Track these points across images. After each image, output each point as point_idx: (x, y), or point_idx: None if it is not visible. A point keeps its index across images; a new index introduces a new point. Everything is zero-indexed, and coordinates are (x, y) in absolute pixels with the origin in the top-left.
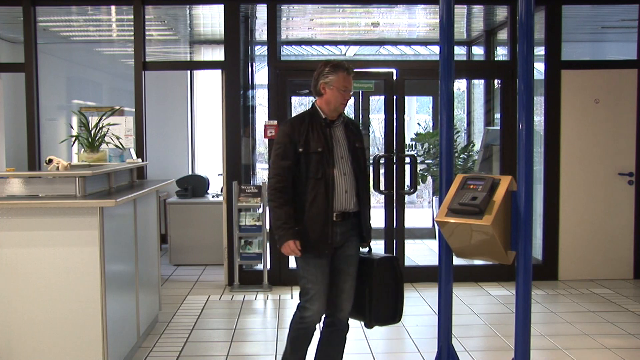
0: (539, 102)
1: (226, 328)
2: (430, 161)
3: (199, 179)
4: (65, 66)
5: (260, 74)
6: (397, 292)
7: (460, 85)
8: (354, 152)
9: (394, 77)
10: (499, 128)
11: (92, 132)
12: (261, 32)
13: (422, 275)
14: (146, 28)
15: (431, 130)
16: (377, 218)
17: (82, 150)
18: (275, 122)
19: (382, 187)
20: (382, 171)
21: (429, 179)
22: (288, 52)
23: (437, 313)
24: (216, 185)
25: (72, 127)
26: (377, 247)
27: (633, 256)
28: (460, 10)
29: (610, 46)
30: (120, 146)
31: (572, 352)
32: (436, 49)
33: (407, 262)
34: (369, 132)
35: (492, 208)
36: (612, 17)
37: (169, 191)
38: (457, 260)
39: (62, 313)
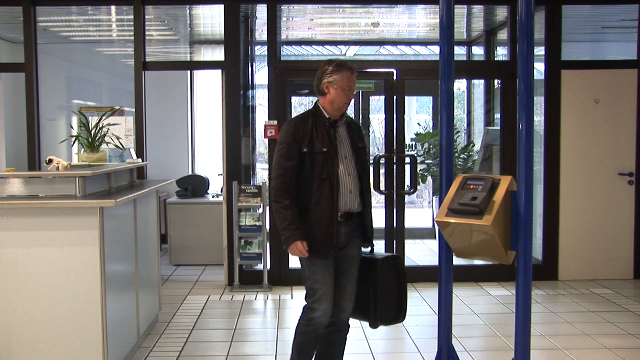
0: (539, 102)
1: (226, 328)
2: (430, 161)
3: (199, 179)
4: (65, 66)
5: (260, 74)
6: (401, 291)
7: (460, 85)
8: (356, 151)
9: (394, 77)
10: (499, 128)
11: (92, 132)
12: (261, 32)
13: (422, 275)
14: (146, 28)
15: (431, 130)
16: (377, 218)
17: (82, 150)
18: (275, 122)
19: (382, 187)
20: (382, 171)
21: (429, 179)
22: (288, 52)
23: (437, 313)
24: (216, 185)
25: (72, 127)
26: (377, 247)
27: (633, 256)
28: (460, 10)
29: (610, 46)
30: (120, 146)
31: (572, 352)
32: (436, 49)
33: (407, 262)
34: (369, 132)
35: (492, 208)
36: (612, 17)
37: (169, 191)
38: (457, 260)
39: (62, 313)
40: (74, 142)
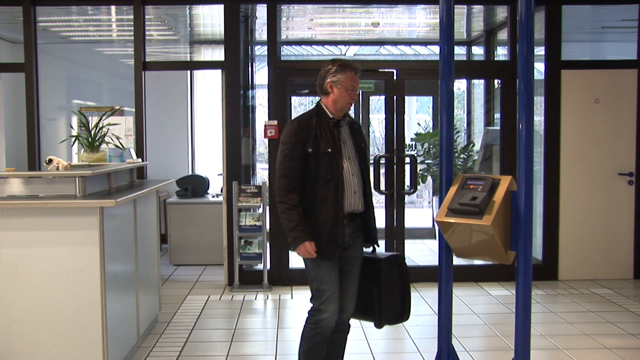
0: (539, 102)
1: (226, 328)
2: (430, 161)
3: (199, 179)
4: (65, 66)
5: (260, 74)
6: (404, 290)
7: (460, 85)
8: (359, 152)
9: (394, 77)
10: (499, 128)
11: (92, 132)
12: (261, 32)
13: (422, 275)
14: (146, 28)
15: (431, 130)
16: (378, 218)
17: (82, 150)
18: (275, 122)
19: (382, 187)
20: (382, 171)
21: (429, 179)
22: (288, 52)
23: (437, 313)
24: (216, 185)
25: (72, 127)
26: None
27: (633, 256)
28: (460, 10)
29: (610, 46)
30: (120, 146)
31: (572, 352)
32: (436, 49)
33: (407, 262)
34: (369, 132)
35: (492, 208)
36: (612, 17)
37: (169, 191)
38: (457, 260)
39: (62, 313)
40: (74, 142)
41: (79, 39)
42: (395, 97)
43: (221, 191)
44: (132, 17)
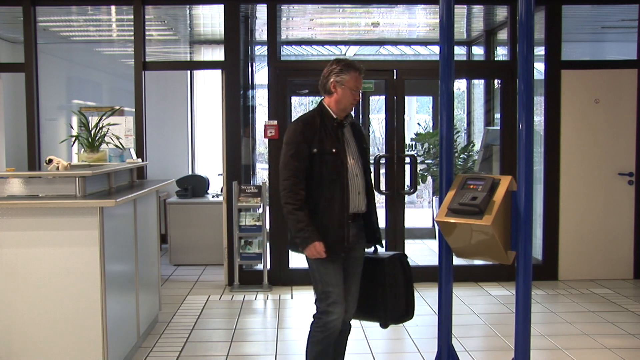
0: (539, 102)
1: (226, 328)
2: (430, 161)
3: (199, 179)
4: (65, 66)
5: (260, 74)
6: (408, 289)
7: (460, 85)
8: (362, 152)
9: (394, 77)
10: (499, 128)
11: (92, 132)
12: (261, 32)
13: (422, 275)
14: (146, 28)
15: (431, 130)
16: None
17: (82, 150)
18: (275, 122)
19: (382, 187)
20: (382, 171)
21: (429, 179)
22: (288, 52)
23: (437, 313)
24: (216, 185)
25: (72, 127)
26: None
27: (633, 256)
28: (460, 10)
29: (610, 46)
30: (120, 146)
31: (572, 352)
32: (436, 49)
33: None
34: (369, 132)
35: (492, 208)
36: (612, 17)
37: (169, 191)
38: (457, 260)
39: (62, 313)
40: (74, 142)
41: (79, 39)
42: (395, 97)
43: (221, 191)
44: (132, 17)
